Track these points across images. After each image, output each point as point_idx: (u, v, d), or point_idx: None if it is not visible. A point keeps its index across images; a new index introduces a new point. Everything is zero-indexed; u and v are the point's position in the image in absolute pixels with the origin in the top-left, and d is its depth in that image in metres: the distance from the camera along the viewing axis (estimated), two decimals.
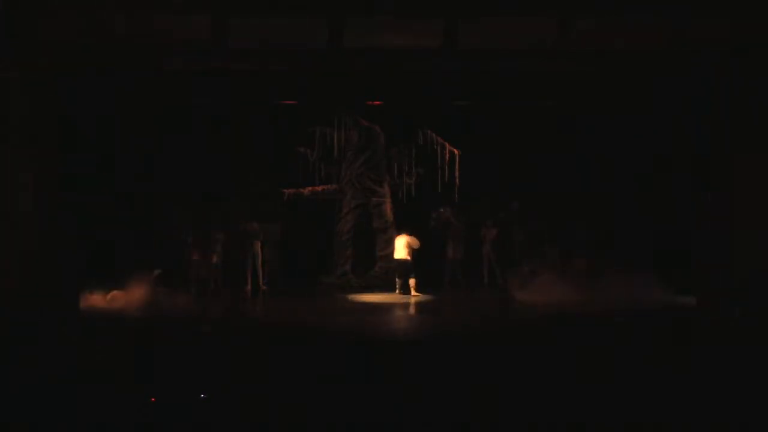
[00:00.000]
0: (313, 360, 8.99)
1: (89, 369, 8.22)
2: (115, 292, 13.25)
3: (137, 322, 11.72)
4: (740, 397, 7.30)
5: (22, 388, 7.54)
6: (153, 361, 8.62)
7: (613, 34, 11.31)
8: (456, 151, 15.96)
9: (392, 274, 15.17)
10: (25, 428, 6.77)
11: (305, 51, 11.87)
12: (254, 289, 14.97)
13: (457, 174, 15.91)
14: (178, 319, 11.86)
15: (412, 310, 13.56)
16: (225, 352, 9.31)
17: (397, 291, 14.70)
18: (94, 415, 6.93)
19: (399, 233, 15.17)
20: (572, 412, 7.04)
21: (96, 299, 12.94)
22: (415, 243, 14.68)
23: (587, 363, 8.65)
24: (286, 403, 7.25)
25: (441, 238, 15.99)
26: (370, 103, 15.39)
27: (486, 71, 12.75)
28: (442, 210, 16.03)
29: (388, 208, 16.39)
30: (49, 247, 11.03)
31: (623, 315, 11.75)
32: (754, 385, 7.70)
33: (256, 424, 6.92)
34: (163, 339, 10.16)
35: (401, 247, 14.74)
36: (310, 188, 16.40)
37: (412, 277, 14.61)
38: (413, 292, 14.51)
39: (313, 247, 16.24)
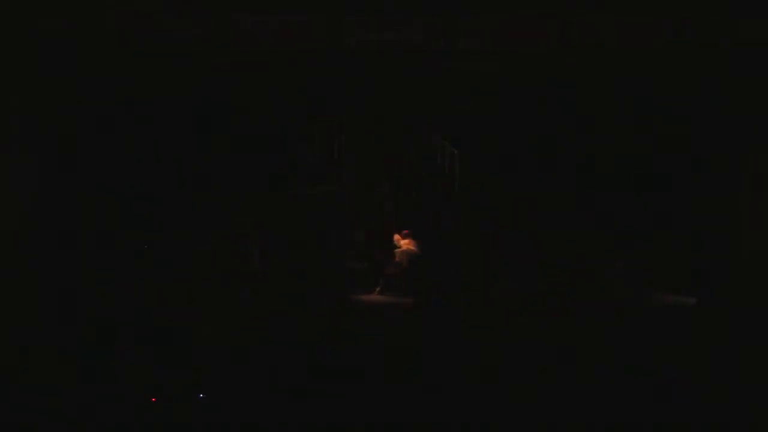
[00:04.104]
0: (312, 360, 9.00)
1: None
2: None
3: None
4: (739, 397, 7.31)
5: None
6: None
7: (613, 34, 11.33)
8: (456, 151, 15.94)
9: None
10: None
11: (305, 51, 11.88)
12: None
13: (457, 174, 15.89)
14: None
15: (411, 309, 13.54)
16: (224, 352, 9.32)
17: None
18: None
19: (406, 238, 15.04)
20: (570, 411, 7.06)
21: None
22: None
23: (585, 363, 8.67)
24: (286, 403, 7.27)
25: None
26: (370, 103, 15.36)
27: (486, 71, 12.76)
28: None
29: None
30: (49, 246, 11.03)
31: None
32: (752, 384, 7.72)
33: (256, 424, 6.93)
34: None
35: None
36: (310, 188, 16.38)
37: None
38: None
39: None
